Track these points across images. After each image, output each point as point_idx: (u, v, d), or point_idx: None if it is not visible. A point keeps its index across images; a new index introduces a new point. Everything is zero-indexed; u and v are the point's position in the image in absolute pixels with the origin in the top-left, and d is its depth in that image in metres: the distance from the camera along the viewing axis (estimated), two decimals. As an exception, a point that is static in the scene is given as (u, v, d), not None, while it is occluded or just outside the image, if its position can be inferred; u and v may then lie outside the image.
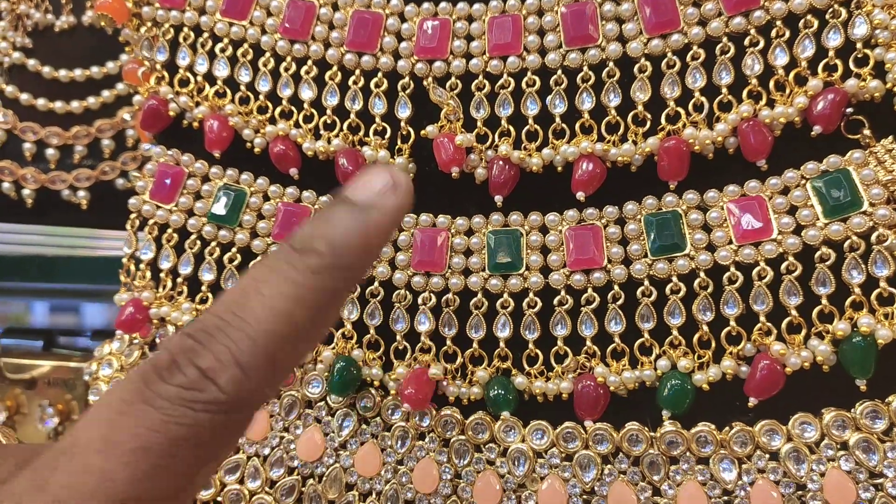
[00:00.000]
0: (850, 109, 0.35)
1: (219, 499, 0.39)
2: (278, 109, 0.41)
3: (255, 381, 0.24)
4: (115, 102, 0.59)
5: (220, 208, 0.41)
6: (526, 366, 0.37)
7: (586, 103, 0.37)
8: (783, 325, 0.34)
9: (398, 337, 0.38)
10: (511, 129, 0.38)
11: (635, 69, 0.37)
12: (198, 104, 0.42)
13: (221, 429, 0.23)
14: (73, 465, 0.22)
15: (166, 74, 0.43)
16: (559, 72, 0.38)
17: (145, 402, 0.23)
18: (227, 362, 0.23)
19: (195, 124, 0.42)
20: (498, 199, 0.38)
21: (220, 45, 0.42)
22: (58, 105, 0.59)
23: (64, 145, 0.59)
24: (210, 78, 0.42)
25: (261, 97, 0.41)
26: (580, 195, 0.37)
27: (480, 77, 0.38)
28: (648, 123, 0.37)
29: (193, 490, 0.24)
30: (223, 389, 0.23)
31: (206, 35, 0.42)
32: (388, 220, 0.27)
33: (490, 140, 0.38)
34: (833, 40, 0.35)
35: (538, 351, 0.37)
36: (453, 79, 0.39)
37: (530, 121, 0.38)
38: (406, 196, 0.28)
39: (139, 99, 0.43)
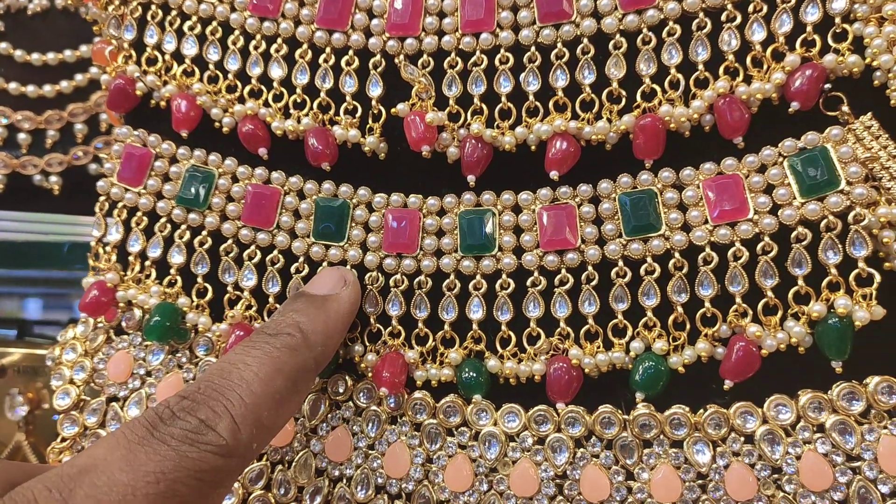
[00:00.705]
0: (828, 85, 0.34)
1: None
2: (247, 88, 0.40)
3: (246, 434, 0.28)
4: (88, 86, 0.58)
5: (188, 191, 0.40)
6: (499, 348, 0.36)
7: (560, 80, 0.36)
8: (759, 306, 0.34)
9: (371, 320, 0.38)
10: (484, 107, 0.37)
11: (610, 45, 0.36)
12: (165, 83, 0.41)
13: (221, 471, 0.27)
14: (98, 480, 0.25)
15: (133, 53, 0.42)
16: (533, 48, 0.37)
17: (156, 438, 0.26)
18: (223, 414, 0.27)
19: (163, 104, 0.41)
20: (471, 178, 0.37)
21: (188, 23, 0.41)
22: (30, 89, 0.58)
23: (36, 129, 0.58)
24: (179, 56, 0.41)
25: (230, 76, 0.40)
26: (554, 174, 0.36)
27: (453, 54, 0.38)
28: (623, 101, 0.36)
29: None
30: (221, 435, 0.27)
31: (174, 13, 0.41)
32: (344, 308, 0.35)
33: (462, 118, 0.37)
34: (811, 15, 0.34)
35: (511, 333, 0.36)
36: (425, 56, 0.38)
37: (503, 98, 0.37)
38: (355, 289, 0.36)
39: (106, 79, 0.42)
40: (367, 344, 0.38)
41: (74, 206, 0.58)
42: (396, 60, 0.38)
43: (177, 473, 0.26)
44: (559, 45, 0.36)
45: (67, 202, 0.58)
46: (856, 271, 0.33)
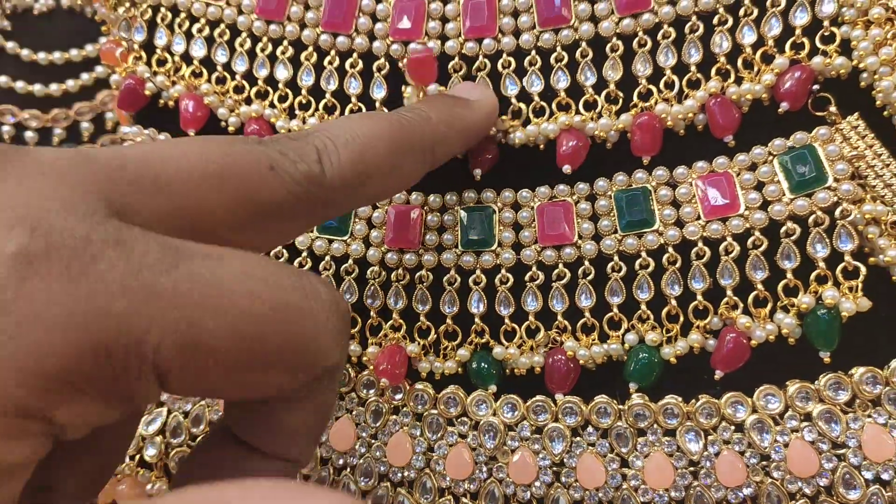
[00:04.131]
0: (816, 86, 0.35)
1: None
2: (254, 89, 0.41)
3: (344, 169, 0.27)
4: (95, 85, 0.59)
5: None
6: (504, 340, 0.37)
7: (561, 82, 0.38)
8: (749, 298, 0.35)
9: (372, 313, 0.39)
10: (484, 107, 0.38)
11: (607, 48, 0.37)
12: (174, 84, 0.42)
13: (302, 201, 0.25)
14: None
15: (143, 54, 0.43)
16: (533, 52, 0.38)
17: (235, 142, 0.24)
18: (323, 147, 0.27)
19: (171, 103, 0.42)
20: (477, 172, 0.38)
21: (197, 26, 0.42)
22: (37, 88, 0.59)
23: (43, 128, 0.59)
24: (187, 58, 0.42)
25: (237, 77, 0.41)
26: (566, 168, 0.37)
27: (456, 59, 0.39)
28: (621, 101, 0.37)
29: None
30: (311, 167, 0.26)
31: (183, 15, 0.42)
32: (483, 111, 0.36)
33: (464, 118, 0.38)
34: (800, 18, 0.35)
35: (514, 325, 0.37)
36: (428, 59, 0.39)
37: (513, 101, 0.38)
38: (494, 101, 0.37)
39: (116, 79, 0.44)
40: (369, 336, 0.39)
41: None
42: (400, 64, 0.39)
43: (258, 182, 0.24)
44: (558, 48, 0.38)
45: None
46: (842, 264, 0.34)
